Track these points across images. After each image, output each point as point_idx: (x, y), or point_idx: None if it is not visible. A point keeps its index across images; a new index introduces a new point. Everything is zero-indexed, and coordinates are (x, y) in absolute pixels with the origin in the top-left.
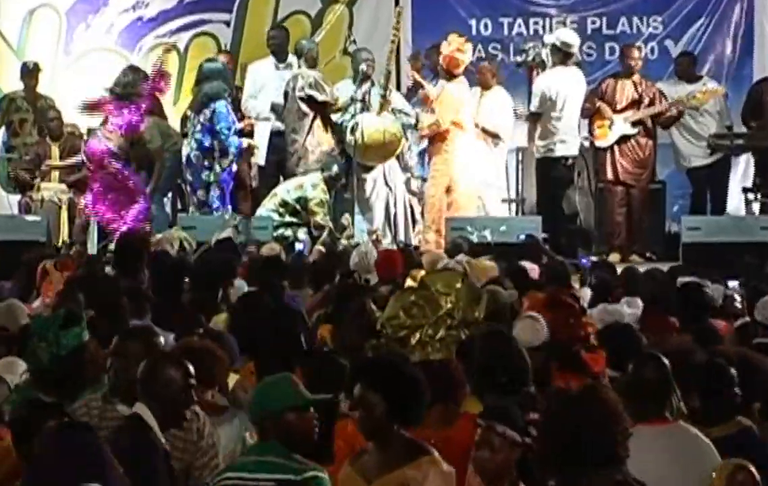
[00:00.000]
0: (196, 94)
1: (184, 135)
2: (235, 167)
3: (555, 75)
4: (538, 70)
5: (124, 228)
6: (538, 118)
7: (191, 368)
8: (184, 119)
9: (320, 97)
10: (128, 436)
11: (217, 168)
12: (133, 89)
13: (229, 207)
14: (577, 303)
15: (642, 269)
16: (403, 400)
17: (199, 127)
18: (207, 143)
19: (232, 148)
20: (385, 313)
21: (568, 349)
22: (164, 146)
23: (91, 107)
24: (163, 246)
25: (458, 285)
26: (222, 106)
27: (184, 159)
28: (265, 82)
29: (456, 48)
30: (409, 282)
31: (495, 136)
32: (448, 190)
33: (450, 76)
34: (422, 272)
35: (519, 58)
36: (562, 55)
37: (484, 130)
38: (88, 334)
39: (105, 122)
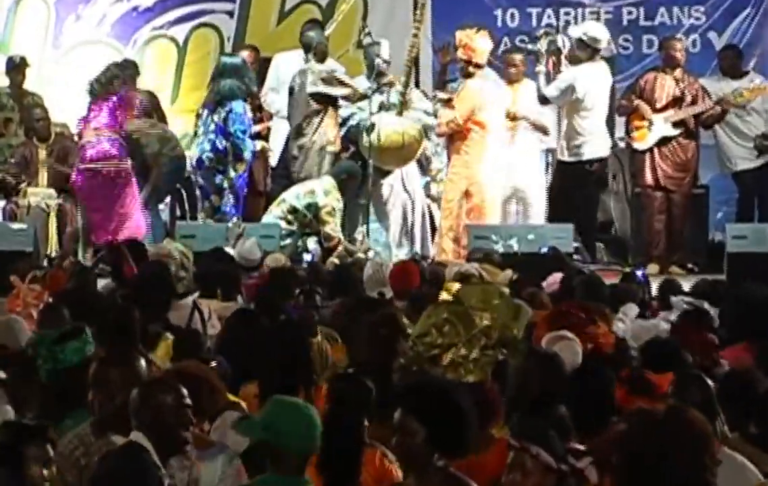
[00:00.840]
0: (210, 90)
1: (195, 134)
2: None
3: (582, 72)
4: (554, 60)
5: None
6: (546, 104)
7: (184, 389)
8: (197, 117)
9: (334, 92)
10: (126, 461)
11: (231, 173)
12: (112, 87)
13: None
14: (582, 314)
15: (683, 282)
16: (445, 429)
17: (212, 128)
18: (221, 146)
19: (247, 152)
20: (416, 330)
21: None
22: (162, 151)
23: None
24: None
25: (496, 300)
26: (238, 106)
27: (194, 161)
28: (288, 78)
29: (474, 38)
30: (444, 295)
31: (543, 131)
32: (467, 195)
33: (469, 70)
34: (457, 285)
35: (530, 46)
36: (590, 50)
37: (534, 125)
38: (94, 348)
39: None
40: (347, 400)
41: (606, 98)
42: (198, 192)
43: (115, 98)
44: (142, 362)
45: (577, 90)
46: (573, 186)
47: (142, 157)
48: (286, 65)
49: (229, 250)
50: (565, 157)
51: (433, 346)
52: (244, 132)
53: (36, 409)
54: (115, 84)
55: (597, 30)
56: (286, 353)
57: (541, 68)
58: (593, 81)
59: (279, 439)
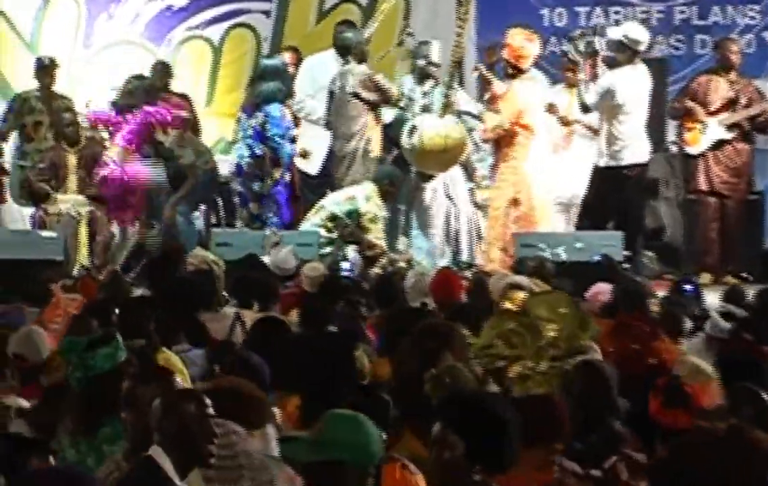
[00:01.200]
0: (249, 94)
1: (233, 142)
2: (288, 177)
3: (621, 75)
4: (591, 63)
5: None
6: (587, 111)
7: (207, 400)
8: (238, 122)
9: (372, 98)
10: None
11: (269, 179)
12: (133, 99)
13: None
14: (649, 328)
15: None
16: (485, 442)
17: (250, 132)
18: (258, 151)
19: (285, 157)
20: (479, 342)
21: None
22: (196, 162)
23: (97, 122)
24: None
25: (563, 309)
26: (275, 109)
27: (233, 167)
28: (325, 82)
29: (522, 40)
30: (507, 305)
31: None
32: (515, 202)
33: (515, 72)
34: (521, 294)
35: (566, 48)
36: (629, 52)
37: (590, 129)
38: (126, 354)
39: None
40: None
41: (646, 102)
42: (237, 199)
43: (137, 117)
44: (178, 380)
45: (615, 94)
46: (609, 192)
47: (176, 168)
48: (321, 68)
49: (263, 258)
50: (603, 163)
51: (499, 358)
52: (282, 136)
53: (71, 422)
54: (136, 95)
55: (637, 31)
56: (332, 365)
57: (581, 76)
58: (632, 84)
59: (340, 454)
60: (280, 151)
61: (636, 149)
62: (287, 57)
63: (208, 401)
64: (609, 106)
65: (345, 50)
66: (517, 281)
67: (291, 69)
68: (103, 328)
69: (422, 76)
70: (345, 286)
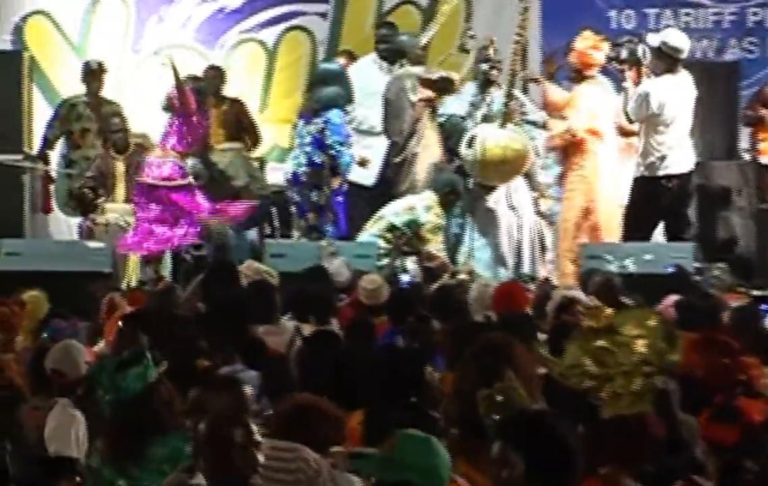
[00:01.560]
0: (307, 99)
1: (289, 149)
2: (345, 186)
3: (658, 84)
4: (635, 71)
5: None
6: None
7: (253, 425)
8: (294, 128)
9: (428, 94)
10: None
11: (327, 189)
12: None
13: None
14: (735, 342)
15: None
16: (546, 462)
17: (309, 140)
18: (318, 159)
19: (345, 165)
20: (566, 361)
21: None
22: (249, 186)
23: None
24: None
25: (652, 323)
26: (336, 116)
27: (290, 175)
28: (375, 88)
29: (591, 45)
30: (588, 322)
31: None
32: (586, 212)
33: (581, 77)
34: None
35: (611, 54)
36: (669, 60)
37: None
38: (156, 374)
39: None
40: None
41: (688, 111)
42: (293, 209)
43: (187, 118)
44: (248, 389)
45: (651, 104)
46: (646, 203)
47: (230, 189)
48: (367, 73)
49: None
50: (639, 173)
51: (590, 377)
52: (342, 144)
53: (104, 445)
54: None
55: (677, 38)
56: (400, 383)
57: (625, 84)
58: (671, 93)
59: (410, 475)
60: (340, 159)
61: (676, 159)
62: (341, 61)
63: (254, 427)
64: (645, 115)
65: (399, 54)
66: (571, 296)
67: None
68: (152, 342)
69: (485, 82)
70: (413, 300)
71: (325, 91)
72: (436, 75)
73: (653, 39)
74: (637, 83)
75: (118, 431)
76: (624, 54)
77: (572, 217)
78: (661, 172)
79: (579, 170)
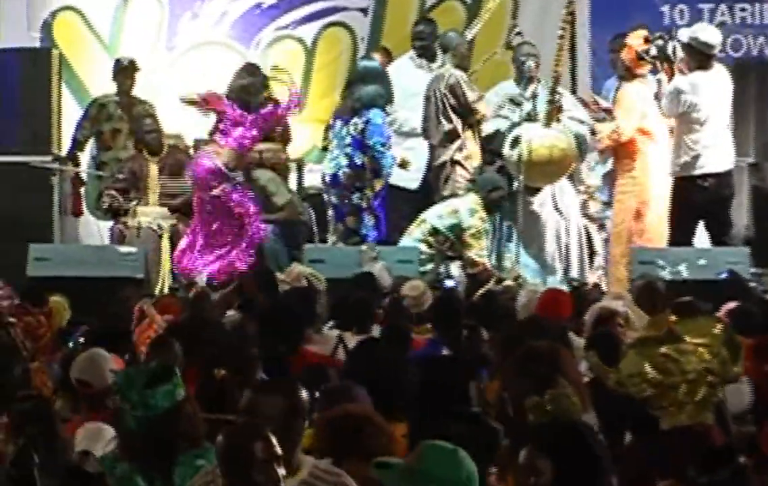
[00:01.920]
0: (346, 98)
1: (325, 148)
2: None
3: (689, 80)
4: (667, 67)
5: (242, 266)
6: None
7: (273, 439)
8: (326, 129)
9: (453, 104)
10: None
11: (369, 191)
12: (250, 96)
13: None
14: None
15: None
16: (574, 470)
17: (348, 140)
18: (359, 161)
19: (387, 167)
20: (626, 369)
21: None
22: (293, 201)
23: (199, 103)
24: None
25: (716, 331)
26: (377, 115)
27: (327, 178)
28: (416, 89)
29: (643, 41)
30: (649, 331)
31: None
32: (638, 215)
33: (632, 75)
34: (671, 317)
35: (641, 49)
36: (700, 56)
37: None
38: (184, 391)
39: (213, 135)
40: (470, 445)
41: (725, 109)
42: (330, 212)
43: (252, 117)
44: (303, 393)
45: (680, 101)
46: (682, 204)
47: (271, 206)
48: (406, 73)
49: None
50: (671, 172)
51: (651, 386)
52: (383, 145)
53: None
54: (252, 92)
55: (708, 33)
56: (447, 394)
57: (661, 77)
58: (704, 90)
59: None
60: (382, 161)
61: (710, 158)
62: (379, 57)
63: (274, 441)
64: (677, 112)
65: (440, 50)
66: (611, 307)
67: None
68: (186, 352)
69: (528, 79)
70: (457, 307)
71: (366, 90)
72: (466, 102)
73: (684, 34)
74: (670, 80)
75: (144, 448)
76: (653, 51)
77: (624, 219)
78: (696, 172)
79: (629, 172)
